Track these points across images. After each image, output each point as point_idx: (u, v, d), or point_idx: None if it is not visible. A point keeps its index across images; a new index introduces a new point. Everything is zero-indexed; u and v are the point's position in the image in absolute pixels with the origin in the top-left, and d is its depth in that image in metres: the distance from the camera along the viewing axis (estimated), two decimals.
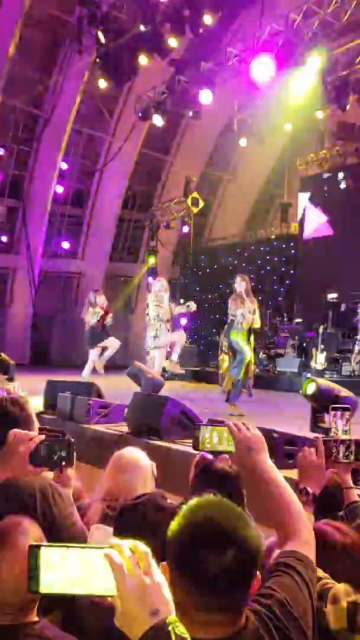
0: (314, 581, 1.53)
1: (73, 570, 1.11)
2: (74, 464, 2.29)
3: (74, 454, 2.25)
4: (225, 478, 2.53)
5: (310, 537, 1.66)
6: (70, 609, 2.03)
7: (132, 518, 2.17)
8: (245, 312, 8.33)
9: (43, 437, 2.17)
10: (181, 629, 1.06)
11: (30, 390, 6.88)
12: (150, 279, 10.23)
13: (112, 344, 11.40)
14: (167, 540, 1.32)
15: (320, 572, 1.72)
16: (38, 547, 1.13)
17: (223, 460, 2.58)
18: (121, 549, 1.09)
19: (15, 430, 2.18)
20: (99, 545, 1.13)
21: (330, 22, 12.65)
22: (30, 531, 1.75)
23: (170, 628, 1.04)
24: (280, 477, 1.78)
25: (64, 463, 2.17)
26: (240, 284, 8.47)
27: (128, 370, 9.46)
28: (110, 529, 2.32)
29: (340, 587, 1.70)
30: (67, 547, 1.13)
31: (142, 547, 1.11)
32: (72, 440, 2.19)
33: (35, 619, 1.65)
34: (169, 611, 1.07)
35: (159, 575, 1.09)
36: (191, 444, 2.22)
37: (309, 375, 12.08)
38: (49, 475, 2.48)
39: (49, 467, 2.28)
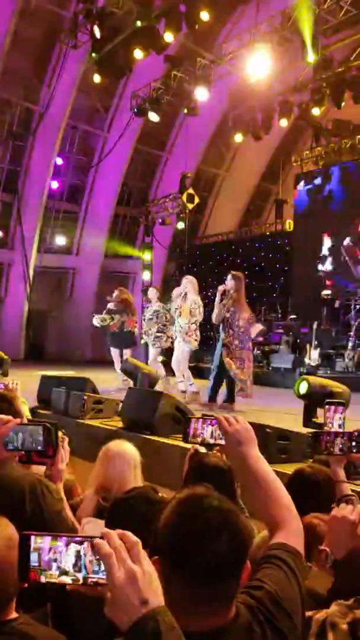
0: (303, 573, 1.55)
1: (63, 559, 1.12)
2: (52, 449, 2.27)
3: (56, 442, 2.24)
4: (217, 472, 2.55)
5: (299, 529, 1.67)
6: (60, 601, 2.04)
7: (123, 512, 2.19)
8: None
9: (19, 421, 2.16)
10: (170, 619, 1.07)
11: (24, 386, 6.89)
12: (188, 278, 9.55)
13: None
14: (158, 532, 1.34)
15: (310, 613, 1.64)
16: (28, 536, 1.14)
17: (216, 454, 2.60)
18: (111, 539, 1.10)
19: None
20: (89, 535, 1.15)
21: (325, 18, 12.64)
22: (5, 529, 1.71)
23: (159, 618, 1.05)
24: (269, 469, 1.80)
25: (39, 448, 2.16)
26: (230, 282, 8.29)
27: (123, 366, 9.48)
28: (102, 522, 2.34)
29: (334, 610, 1.65)
30: (57, 536, 1.14)
31: (132, 536, 1.12)
32: (50, 426, 2.17)
33: (14, 615, 1.63)
34: (158, 601, 1.08)
35: (149, 565, 1.10)
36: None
37: (302, 373, 12.14)
38: (40, 470, 2.50)
39: (24, 452, 2.26)
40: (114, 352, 11.07)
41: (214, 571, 1.28)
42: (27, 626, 1.62)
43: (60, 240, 21.94)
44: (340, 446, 2.49)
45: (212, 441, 2.04)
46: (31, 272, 20.54)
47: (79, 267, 22.30)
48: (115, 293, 11.27)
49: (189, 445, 2.58)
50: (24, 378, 8.75)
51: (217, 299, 8.23)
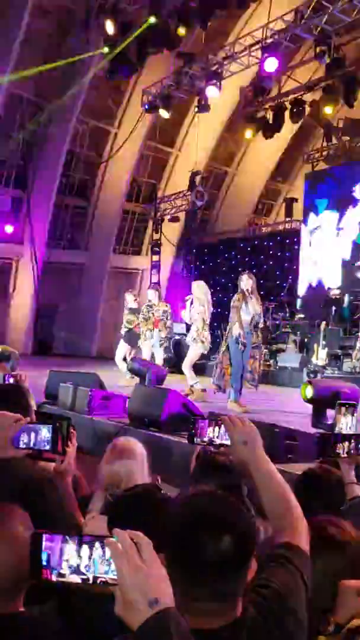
0: (309, 573, 1.55)
1: (74, 558, 1.13)
2: (61, 450, 2.28)
3: (65, 439, 2.24)
4: (224, 470, 2.55)
5: (304, 529, 1.68)
6: (65, 598, 2.05)
7: (126, 509, 2.19)
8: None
9: (28, 419, 2.16)
10: (180, 619, 1.08)
11: (32, 381, 6.90)
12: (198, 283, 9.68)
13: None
14: (165, 531, 1.35)
15: None
16: (40, 535, 1.15)
17: (222, 453, 2.60)
18: (123, 539, 1.11)
19: (0, 412, 2.19)
20: (101, 534, 1.15)
21: (339, 17, 12.59)
22: (19, 514, 1.74)
23: (169, 618, 1.06)
24: (274, 470, 1.81)
25: (48, 447, 2.17)
26: (247, 282, 8.34)
27: (129, 366, 9.52)
28: (105, 518, 2.34)
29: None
30: (69, 535, 1.15)
31: (143, 537, 1.13)
32: (62, 423, 2.18)
33: (22, 609, 1.65)
34: (168, 601, 1.08)
35: (159, 566, 1.11)
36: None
37: (309, 372, 12.12)
38: (48, 465, 2.50)
39: (32, 451, 2.26)
40: (125, 347, 11.14)
41: (220, 569, 1.28)
42: (34, 619, 1.64)
43: (69, 236, 21.96)
44: (347, 448, 2.49)
45: (217, 441, 2.05)
46: (40, 268, 20.57)
47: (88, 263, 22.32)
48: (130, 296, 11.51)
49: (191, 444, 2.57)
50: (32, 373, 8.78)
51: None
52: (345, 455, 2.51)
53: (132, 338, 11.19)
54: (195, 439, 2.09)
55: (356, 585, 1.74)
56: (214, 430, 2.05)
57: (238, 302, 8.22)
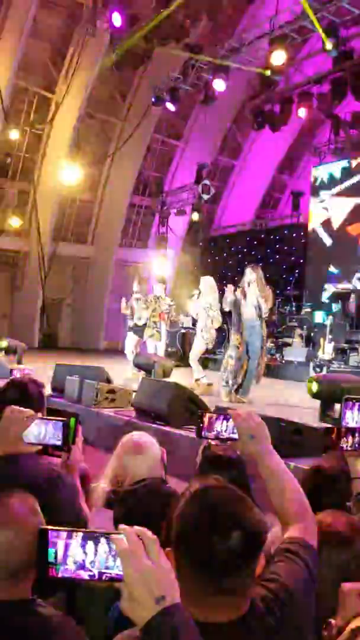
0: (316, 567, 1.55)
1: (80, 554, 1.13)
2: (73, 444, 2.28)
3: (74, 435, 2.24)
4: (230, 464, 2.55)
5: (313, 523, 1.68)
6: (71, 592, 2.05)
7: (131, 503, 2.19)
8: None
9: (39, 415, 2.17)
10: (186, 615, 1.08)
11: (38, 374, 6.92)
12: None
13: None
14: (173, 525, 1.34)
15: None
16: (46, 530, 1.15)
17: (229, 447, 2.59)
18: (129, 535, 1.11)
19: (13, 407, 2.19)
20: (108, 531, 1.15)
21: (347, 9, 12.50)
22: (26, 500, 1.75)
23: (175, 614, 1.06)
24: (282, 464, 1.81)
25: (58, 443, 2.17)
26: (248, 276, 8.38)
27: (136, 361, 9.53)
28: (110, 513, 2.34)
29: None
30: (76, 531, 1.15)
31: (149, 533, 1.13)
32: (71, 420, 2.18)
33: (29, 597, 1.65)
34: (174, 597, 1.09)
35: (166, 562, 1.11)
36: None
37: (315, 366, 12.11)
38: (57, 460, 2.50)
39: (42, 446, 2.27)
40: (135, 339, 11.18)
41: (228, 563, 1.28)
42: (42, 608, 1.64)
43: (76, 229, 21.97)
44: (351, 442, 2.47)
45: (225, 436, 2.04)
46: (46, 261, 20.60)
47: (94, 257, 22.33)
48: (134, 285, 11.49)
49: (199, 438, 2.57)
50: (38, 366, 8.82)
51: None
52: (350, 449, 2.50)
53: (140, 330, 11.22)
54: (202, 433, 2.08)
55: (356, 587, 1.74)
56: (221, 425, 2.04)
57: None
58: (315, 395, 5.88)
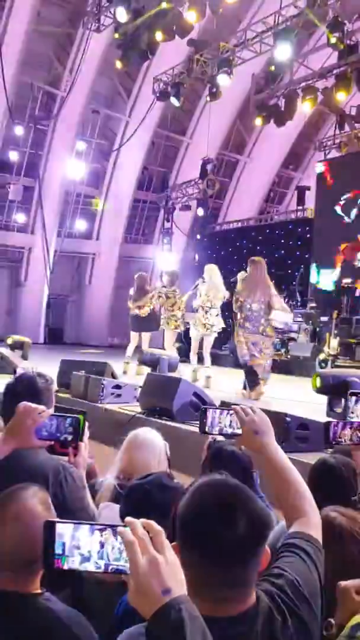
0: (322, 562, 1.56)
1: (86, 547, 1.14)
2: (80, 442, 2.30)
3: (82, 432, 2.26)
4: (235, 459, 2.55)
5: (317, 519, 1.68)
6: (78, 587, 2.07)
7: (137, 497, 2.20)
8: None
9: (51, 411, 2.19)
10: (193, 607, 1.09)
11: (43, 370, 6.93)
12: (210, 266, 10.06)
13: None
14: (178, 518, 1.35)
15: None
16: (53, 523, 1.16)
17: (233, 443, 2.60)
18: (135, 527, 1.12)
19: (25, 402, 2.20)
20: (113, 523, 1.16)
21: (352, 3, 12.44)
22: (39, 494, 1.77)
23: (182, 606, 1.06)
24: (286, 459, 1.81)
25: (69, 439, 2.18)
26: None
27: (142, 358, 9.56)
28: (117, 507, 2.35)
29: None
30: (82, 524, 1.16)
31: (155, 526, 1.13)
32: (80, 417, 2.20)
33: (39, 590, 1.68)
34: (181, 590, 1.09)
35: (172, 554, 1.12)
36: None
37: (320, 361, 12.10)
38: (64, 457, 2.52)
39: (54, 442, 2.29)
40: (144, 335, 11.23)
41: (234, 553, 1.29)
42: (50, 602, 1.66)
43: (81, 225, 21.97)
44: (349, 437, 2.47)
45: (229, 431, 2.03)
46: (51, 257, 20.62)
47: (99, 252, 22.34)
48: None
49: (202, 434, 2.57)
50: (44, 361, 8.83)
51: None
52: (350, 443, 2.50)
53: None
54: (206, 429, 2.08)
55: (354, 584, 1.75)
56: (225, 420, 2.03)
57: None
58: (318, 390, 5.89)
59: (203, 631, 1.08)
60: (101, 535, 1.14)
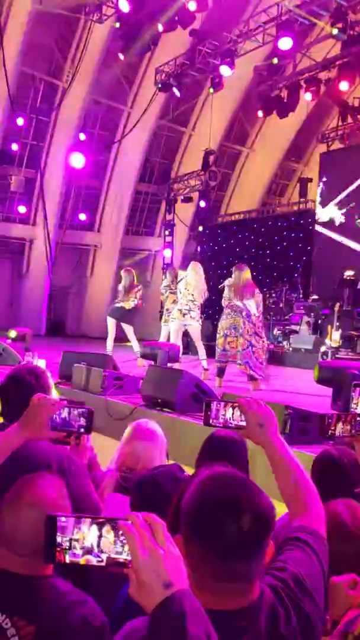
0: (326, 556, 1.55)
1: (88, 540, 1.14)
2: (90, 433, 2.32)
3: (93, 424, 2.28)
4: (230, 443, 2.54)
5: (321, 512, 1.68)
6: (79, 576, 2.07)
7: (149, 489, 2.20)
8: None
9: (65, 402, 2.21)
10: (195, 601, 1.08)
11: (45, 361, 6.94)
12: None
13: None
14: (182, 510, 1.35)
15: None
16: (55, 517, 1.16)
17: (230, 433, 2.59)
18: (136, 521, 1.11)
19: (39, 394, 2.21)
20: (115, 517, 1.15)
21: None
22: (55, 482, 1.81)
23: (183, 600, 1.06)
24: (290, 452, 1.81)
25: (82, 430, 2.21)
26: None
27: (142, 351, 9.59)
28: (126, 498, 2.35)
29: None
30: (84, 517, 1.16)
31: (157, 519, 1.13)
32: (93, 410, 2.22)
33: (50, 572, 1.72)
34: (183, 583, 1.09)
35: (174, 548, 1.11)
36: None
37: (322, 354, 12.10)
38: (65, 447, 2.53)
39: (67, 433, 2.31)
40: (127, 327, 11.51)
41: (238, 546, 1.29)
42: (60, 583, 1.71)
43: (82, 217, 21.94)
44: (343, 428, 2.46)
45: (233, 424, 2.03)
46: (53, 248, 20.60)
47: (100, 244, 22.31)
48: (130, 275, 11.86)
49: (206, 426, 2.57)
50: (45, 353, 8.83)
51: None
52: (345, 435, 2.49)
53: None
54: (210, 421, 2.07)
55: (345, 579, 1.74)
56: (229, 412, 2.03)
57: None
58: (318, 380, 5.93)
59: (205, 625, 1.08)
60: (103, 529, 1.14)
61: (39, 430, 2.11)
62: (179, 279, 10.37)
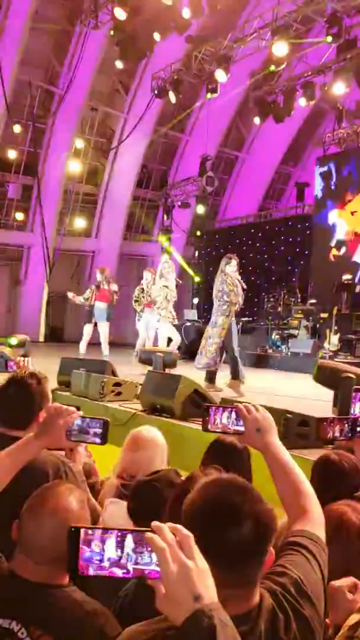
0: (325, 560, 1.55)
1: (113, 552, 1.12)
2: (105, 443, 2.31)
3: (108, 434, 2.27)
4: (233, 450, 2.54)
5: (320, 516, 1.68)
6: (85, 581, 2.07)
7: (146, 494, 2.20)
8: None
9: (81, 413, 2.20)
10: (224, 615, 1.07)
11: (44, 367, 6.93)
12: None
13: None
14: (183, 515, 1.34)
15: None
16: (78, 529, 1.14)
17: (233, 439, 2.59)
18: (163, 532, 1.09)
19: (56, 404, 2.21)
20: (140, 529, 1.14)
21: None
22: (75, 492, 1.82)
23: (213, 613, 1.04)
24: (289, 457, 1.80)
25: (98, 440, 2.20)
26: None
27: (140, 357, 9.59)
28: (124, 504, 2.35)
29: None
30: (108, 529, 1.14)
31: (183, 530, 1.11)
32: (108, 420, 2.21)
33: (66, 581, 1.72)
34: (212, 596, 1.07)
35: (202, 560, 1.09)
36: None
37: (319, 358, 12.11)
38: (61, 453, 2.52)
39: (83, 443, 2.30)
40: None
41: (238, 556, 1.28)
42: (76, 592, 1.71)
43: (80, 223, 21.95)
44: (338, 431, 2.46)
45: (231, 429, 2.02)
46: (51, 255, 20.60)
47: (98, 250, 22.33)
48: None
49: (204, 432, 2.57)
50: (44, 360, 8.82)
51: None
52: (342, 438, 2.49)
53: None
54: (209, 427, 2.07)
55: (345, 584, 1.74)
56: (227, 417, 2.02)
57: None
58: (316, 378, 5.92)
59: (234, 638, 1.07)
60: (129, 541, 1.12)
61: (57, 441, 2.11)
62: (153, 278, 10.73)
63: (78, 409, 2.27)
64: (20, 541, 1.71)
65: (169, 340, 10.64)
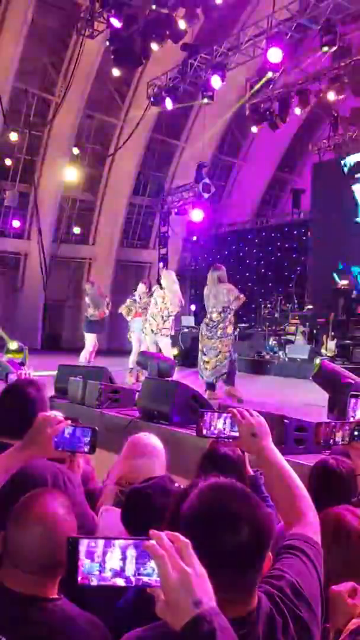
0: (321, 565, 1.56)
1: (112, 561, 1.12)
2: (94, 452, 2.31)
3: (96, 443, 2.27)
4: (228, 460, 2.54)
5: (315, 519, 1.68)
6: (73, 592, 2.06)
7: (139, 501, 2.19)
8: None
9: (70, 422, 2.19)
10: (223, 620, 1.09)
11: (41, 375, 6.93)
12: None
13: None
14: (181, 521, 1.35)
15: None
16: (77, 539, 1.14)
17: (229, 444, 2.59)
18: (161, 540, 1.11)
19: (44, 413, 2.20)
20: (138, 537, 1.14)
21: (344, 5, 12.49)
22: (60, 498, 1.79)
23: (213, 618, 1.06)
24: (284, 461, 1.81)
25: (86, 450, 2.19)
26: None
27: (138, 361, 9.59)
28: (119, 511, 2.34)
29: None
30: (106, 538, 1.14)
31: (182, 538, 1.13)
32: (96, 429, 2.21)
33: (56, 595, 1.68)
34: (211, 601, 1.09)
35: (200, 566, 1.11)
36: None
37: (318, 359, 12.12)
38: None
39: (72, 452, 2.29)
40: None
41: (236, 560, 1.29)
42: (67, 606, 1.67)
43: (77, 230, 21.98)
44: (338, 438, 2.46)
45: (226, 434, 2.02)
46: (48, 262, 20.60)
47: (95, 257, 22.35)
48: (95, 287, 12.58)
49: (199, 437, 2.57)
50: (41, 367, 8.82)
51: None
52: (341, 443, 2.49)
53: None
54: (203, 432, 2.06)
55: (345, 588, 1.74)
56: (222, 423, 2.02)
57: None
58: (315, 375, 5.92)
59: None
60: (129, 550, 1.12)
61: (43, 450, 2.10)
62: (152, 290, 10.60)
63: (76, 420, 2.27)
64: (7, 551, 1.66)
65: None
